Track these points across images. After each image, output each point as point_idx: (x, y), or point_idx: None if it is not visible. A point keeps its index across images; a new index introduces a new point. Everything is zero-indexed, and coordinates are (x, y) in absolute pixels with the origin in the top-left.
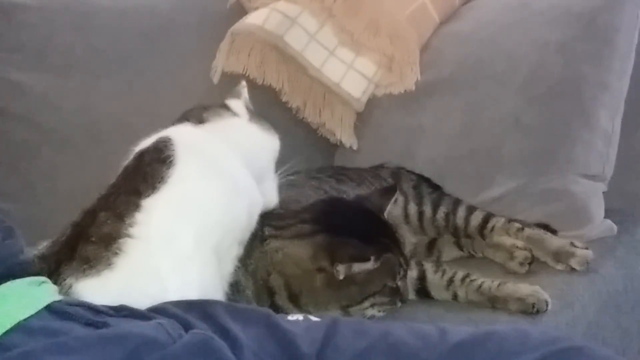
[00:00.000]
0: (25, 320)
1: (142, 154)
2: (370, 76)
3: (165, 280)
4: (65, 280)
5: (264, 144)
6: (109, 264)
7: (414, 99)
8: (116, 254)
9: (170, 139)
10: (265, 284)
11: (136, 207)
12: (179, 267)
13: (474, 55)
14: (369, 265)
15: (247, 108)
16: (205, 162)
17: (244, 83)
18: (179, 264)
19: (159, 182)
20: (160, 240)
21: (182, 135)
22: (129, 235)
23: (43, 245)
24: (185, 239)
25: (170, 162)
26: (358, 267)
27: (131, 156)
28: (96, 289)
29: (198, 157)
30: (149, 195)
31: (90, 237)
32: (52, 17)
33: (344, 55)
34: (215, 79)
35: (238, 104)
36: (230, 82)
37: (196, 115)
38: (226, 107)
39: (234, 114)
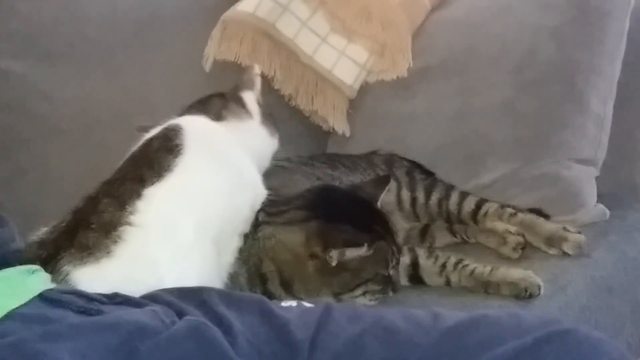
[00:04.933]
0: (17, 308)
1: (150, 141)
2: (363, 63)
3: (164, 270)
4: (63, 267)
5: (269, 148)
6: (107, 252)
7: (406, 86)
8: (115, 242)
9: (180, 127)
10: (257, 271)
11: (138, 195)
12: (178, 258)
13: (466, 40)
14: (362, 251)
15: (258, 102)
16: (213, 153)
17: (257, 70)
18: (178, 255)
19: (165, 171)
20: (161, 229)
21: (193, 124)
22: (129, 223)
23: (42, 231)
24: (186, 229)
25: (178, 150)
26: (351, 253)
27: (140, 142)
28: (94, 277)
29: (206, 147)
30: (153, 183)
31: (91, 224)
32: (43, 5)
33: (336, 42)
34: (207, 67)
35: (252, 98)
36: (222, 70)
37: (216, 111)
38: (242, 103)
39: (249, 113)
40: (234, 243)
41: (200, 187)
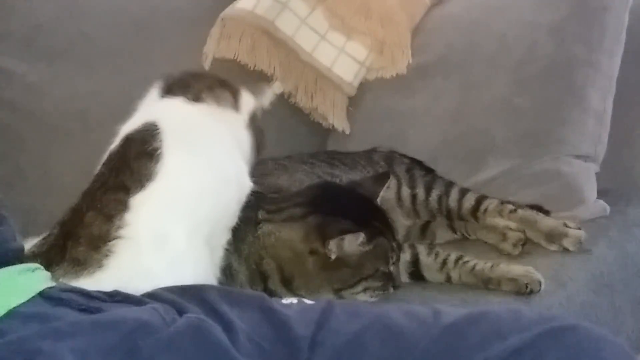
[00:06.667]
0: (18, 306)
1: (128, 143)
2: (362, 60)
3: (159, 278)
4: (57, 280)
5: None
6: (100, 266)
7: (406, 83)
8: (107, 255)
9: (156, 126)
10: (258, 269)
11: (125, 206)
12: (172, 264)
13: (466, 37)
14: (360, 239)
15: (254, 112)
16: (194, 151)
17: (276, 87)
18: (172, 263)
19: (147, 179)
20: (152, 239)
21: (169, 120)
22: (119, 237)
23: (33, 244)
24: (177, 237)
25: (158, 155)
26: (349, 243)
27: (117, 138)
28: (89, 289)
29: (186, 147)
30: (137, 192)
31: (79, 239)
32: (41, 4)
33: (335, 40)
34: (207, 65)
35: (248, 100)
36: (221, 68)
37: (195, 91)
38: (235, 96)
39: (236, 106)
40: (224, 238)
41: (186, 191)
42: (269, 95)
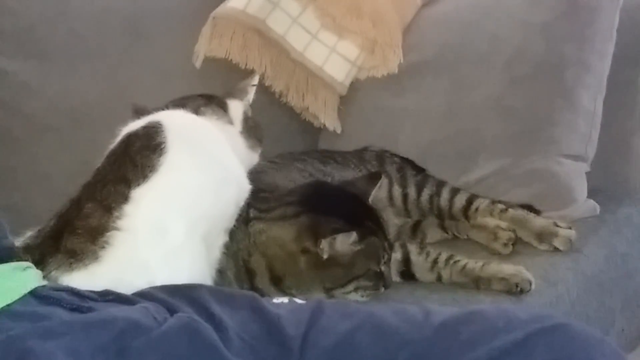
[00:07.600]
0: (9, 305)
1: (130, 139)
2: (353, 59)
3: (155, 272)
4: (50, 273)
5: (246, 159)
6: (95, 258)
7: (397, 82)
8: (103, 247)
9: (160, 124)
10: (246, 266)
11: (125, 198)
12: (169, 260)
13: (457, 36)
14: (352, 238)
15: (245, 113)
16: (197, 149)
17: (255, 80)
18: (169, 256)
19: (150, 171)
20: (150, 232)
21: (173, 120)
22: (117, 228)
23: (27, 236)
24: (176, 231)
25: (162, 149)
26: (341, 242)
27: (118, 138)
28: (83, 282)
29: (189, 144)
30: (139, 185)
31: (76, 229)
32: (33, 3)
33: (327, 39)
34: (198, 63)
35: (237, 107)
36: (212, 67)
37: (195, 107)
38: (225, 108)
39: (229, 119)
40: (221, 239)
41: (187, 186)
42: (251, 91)
